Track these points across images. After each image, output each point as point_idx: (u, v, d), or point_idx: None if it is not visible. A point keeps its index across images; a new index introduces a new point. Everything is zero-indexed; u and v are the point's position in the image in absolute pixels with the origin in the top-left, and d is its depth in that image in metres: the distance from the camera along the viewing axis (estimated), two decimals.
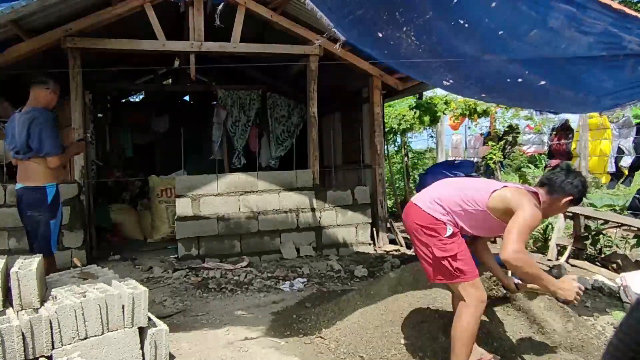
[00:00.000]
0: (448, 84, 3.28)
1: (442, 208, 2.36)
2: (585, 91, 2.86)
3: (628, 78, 2.50)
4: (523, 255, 2.15)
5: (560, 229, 5.63)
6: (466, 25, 2.44)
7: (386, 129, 8.32)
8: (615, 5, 2.11)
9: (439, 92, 9.65)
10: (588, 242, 5.49)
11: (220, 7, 4.77)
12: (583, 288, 2.29)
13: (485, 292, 2.39)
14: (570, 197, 2.35)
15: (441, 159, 10.29)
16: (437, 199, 2.40)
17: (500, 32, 2.44)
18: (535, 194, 2.36)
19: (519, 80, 2.79)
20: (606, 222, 5.33)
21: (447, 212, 2.36)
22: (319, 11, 2.68)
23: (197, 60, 5.69)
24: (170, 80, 10.56)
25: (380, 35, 2.81)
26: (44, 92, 3.53)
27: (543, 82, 2.74)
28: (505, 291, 2.90)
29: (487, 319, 2.86)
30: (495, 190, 2.35)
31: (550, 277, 2.25)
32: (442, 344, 2.67)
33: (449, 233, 2.32)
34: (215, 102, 8.54)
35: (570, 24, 2.22)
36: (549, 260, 5.39)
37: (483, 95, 3.70)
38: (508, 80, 2.87)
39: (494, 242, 6.56)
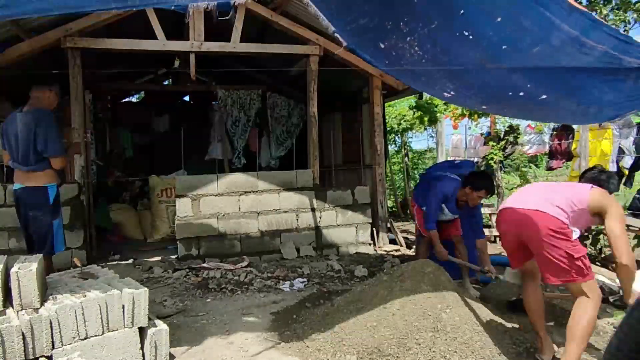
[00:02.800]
0: (449, 95, 3.28)
1: (563, 212, 2.57)
2: (586, 104, 2.90)
3: (629, 90, 2.56)
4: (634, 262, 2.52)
5: None
6: (470, 37, 2.46)
7: (386, 129, 8.31)
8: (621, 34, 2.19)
9: None
10: (588, 242, 5.49)
11: (231, 13, 4.67)
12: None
13: None
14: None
15: (441, 159, 10.28)
16: (557, 204, 2.60)
17: (504, 47, 2.48)
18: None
19: (521, 94, 2.83)
20: None
21: (567, 215, 2.57)
22: (321, 14, 2.68)
23: (197, 60, 5.69)
24: (170, 80, 10.56)
25: (383, 46, 2.81)
26: (47, 93, 3.57)
27: (544, 97, 2.79)
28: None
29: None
30: (589, 190, 2.68)
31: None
32: (441, 341, 2.67)
33: (575, 236, 2.55)
34: (215, 102, 8.54)
35: (572, 44, 2.29)
36: None
37: (484, 107, 3.70)
38: (510, 93, 2.91)
39: (494, 242, 6.56)
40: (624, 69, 2.38)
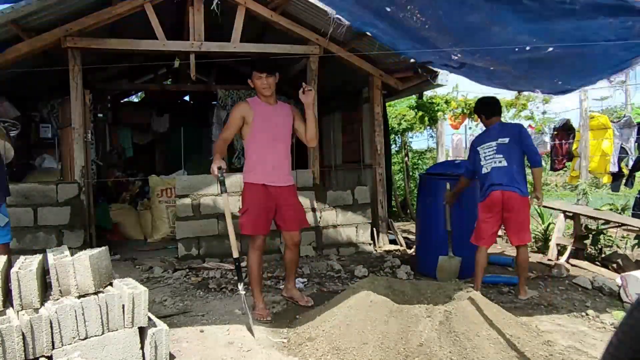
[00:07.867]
0: (457, 57, 3.25)
1: None
2: (592, 55, 2.83)
3: (635, 37, 2.49)
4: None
5: (560, 229, 5.63)
6: None
7: (389, 129, 8.30)
8: None
9: (439, 91, 9.64)
10: (588, 241, 5.49)
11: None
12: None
13: None
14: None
15: (441, 159, 10.27)
16: None
17: None
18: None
19: (527, 48, 2.74)
20: (607, 222, 5.33)
21: None
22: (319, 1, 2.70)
23: (197, 60, 5.69)
24: (170, 80, 10.56)
25: (387, 10, 2.79)
26: None
27: (551, 49, 2.69)
28: None
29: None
30: None
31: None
32: (435, 348, 2.67)
33: None
34: (215, 102, 8.54)
35: None
36: (549, 260, 5.39)
37: (492, 68, 3.56)
38: (516, 49, 2.82)
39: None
40: (632, 20, 2.29)
